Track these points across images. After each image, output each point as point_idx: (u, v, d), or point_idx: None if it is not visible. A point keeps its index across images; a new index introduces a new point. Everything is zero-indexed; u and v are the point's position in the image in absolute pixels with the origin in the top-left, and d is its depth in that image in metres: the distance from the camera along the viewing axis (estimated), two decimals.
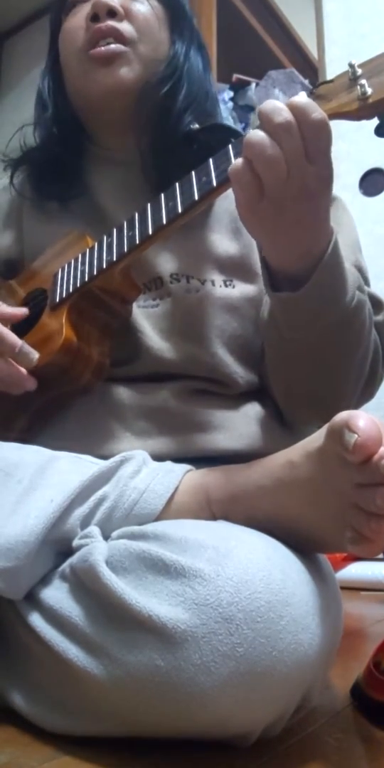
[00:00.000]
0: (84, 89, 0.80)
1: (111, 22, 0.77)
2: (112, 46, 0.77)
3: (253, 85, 2.02)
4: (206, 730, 0.45)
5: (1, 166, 0.87)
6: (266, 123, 0.53)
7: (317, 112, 0.53)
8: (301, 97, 0.54)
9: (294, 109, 0.53)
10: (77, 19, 0.80)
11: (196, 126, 0.75)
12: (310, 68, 2.24)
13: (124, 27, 0.78)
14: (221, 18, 1.78)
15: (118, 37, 0.77)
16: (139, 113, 0.78)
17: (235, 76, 2.01)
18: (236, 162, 0.55)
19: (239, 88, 2.02)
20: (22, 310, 0.72)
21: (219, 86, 1.89)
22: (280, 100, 0.55)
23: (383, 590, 1.35)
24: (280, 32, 2.15)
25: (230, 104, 1.98)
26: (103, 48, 0.77)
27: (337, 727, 0.54)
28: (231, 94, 2.00)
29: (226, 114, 1.87)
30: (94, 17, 0.78)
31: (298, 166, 0.53)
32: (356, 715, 0.57)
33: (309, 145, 0.53)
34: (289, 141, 0.53)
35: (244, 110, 2.02)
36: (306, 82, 2.03)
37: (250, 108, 2.01)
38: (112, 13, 0.77)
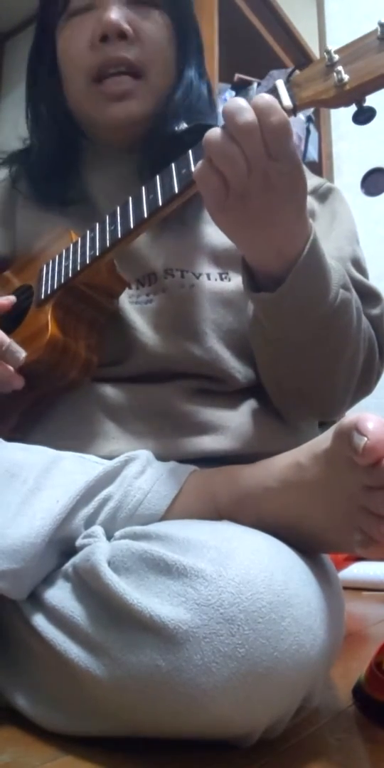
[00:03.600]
0: (91, 115, 0.79)
1: (122, 53, 0.75)
2: (125, 85, 0.76)
3: (255, 84, 2.02)
4: (207, 730, 0.45)
5: None
6: (229, 122, 0.53)
7: (277, 114, 0.52)
8: (264, 98, 0.53)
9: (256, 109, 0.53)
10: (82, 33, 0.77)
11: (183, 126, 0.75)
12: None
13: (135, 54, 0.76)
14: (223, 17, 1.77)
15: (129, 66, 0.76)
16: (148, 139, 0.78)
17: (237, 76, 2.00)
18: (198, 165, 0.55)
19: (241, 87, 2.01)
20: (9, 299, 0.71)
21: (221, 86, 1.89)
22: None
23: None
24: (282, 32, 2.15)
25: None
26: (115, 88, 0.76)
27: (338, 728, 0.54)
28: (233, 93, 2.00)
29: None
30: (104, 38, 0.75)
31: (259, 162, 0.53)
32: (358, 715, 0.57)
33: (271, 145, 0.53)
34: (250, 141, 0.53)
35: None
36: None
37: None
38: (122, 35, 0.75)
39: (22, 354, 0.66)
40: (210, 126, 0.57)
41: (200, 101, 0.82)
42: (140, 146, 0.78)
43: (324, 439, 0.51)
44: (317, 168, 2.21)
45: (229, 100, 0.54)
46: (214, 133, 0.54)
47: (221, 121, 0.56)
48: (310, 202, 0.78)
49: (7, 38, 2.52)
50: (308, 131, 2.17)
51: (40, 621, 0.50)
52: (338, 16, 2.47)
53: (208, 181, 0.55)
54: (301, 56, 2.23)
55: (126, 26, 0.75)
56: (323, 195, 0.82)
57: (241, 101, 0.53)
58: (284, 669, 0.44)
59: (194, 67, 0.83)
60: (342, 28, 2.44)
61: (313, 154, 2.21)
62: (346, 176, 2.24)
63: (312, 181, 0.82)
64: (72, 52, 0.79)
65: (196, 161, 0.59)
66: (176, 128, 0.75)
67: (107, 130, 0.80)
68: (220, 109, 0.99)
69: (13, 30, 2.48)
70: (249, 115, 0.52)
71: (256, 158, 0.53)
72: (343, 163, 2.29)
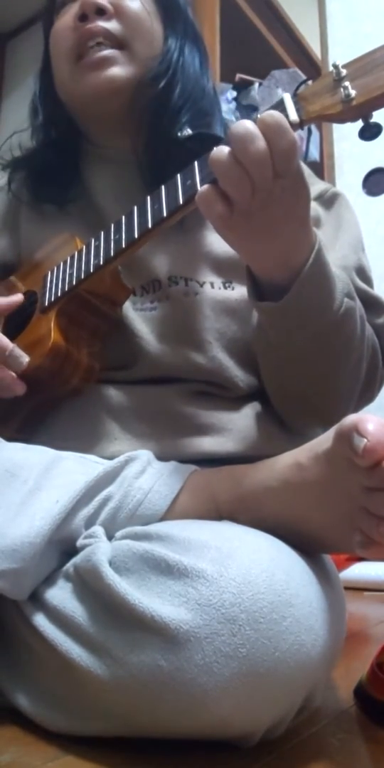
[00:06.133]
0: (76, 94, 0.79)
1: (100, 22, 0.75)
2: (104, 52, 0.75)
3: (257, 84, 2.02)
4: (208, 730, 0.45)
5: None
6: (239, 150, 0.52)
7: (287, 136, 0.52)
8: (273, 117, 0.52)
9: (266, 133, 0.52)
10: (66, 20, 0.78)
11: (187, 132, 0.74)
12: (313, 68, 2.24)
13: (114, 26, 0.76)
14: (224, 17, 1.78)
15: (108, 37, 0.75)
16: (132, 112, 0.77)
17: (239, 76, 2.01)
18: (200, 190, 0.55)
19: (242, 87, 2.02)
20: (17, 298, 0.71)
21: (222, 86, 1.89)
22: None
23: None
24: (283, 32, 2.15)
25: (233, 104, 1.98)
26: (93, 57, 0.75)
27: (340, 728, 0.54)
28: (234, 93, 2.00)
29: (228, 114, 1.86)
30: (83, 17, 0.76)
31: (266, 184, 0.53)
32: (359, 715, 0.57)
33: (278, 166, 0.53)
34: (260, 169, 0.52)
35: (247, 110, 2.02)
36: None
37: (254, 108, 2.01)
38: (100, 12, 0.75)
39: (25, 359, 0.66)
40: (214, 136, 0.57)
41: (205, 100, 0.80)
42: (141, 148, 0.78)
43: (325, 440, 0.51)
44: (318, 168, 2.21)
45: (237, 124, 0.53)
46: (221, 154, 0.53)
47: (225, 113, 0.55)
48: (315, 208, 0.78)
49: (8, 39, 2.52)
50: (309, 131, 2.18)
51: (41, 621, 0.50)
52: (339, 16, 2.47)
53: (211, 205, 0.54)
54: (302, 56, 2.23)
55: (103, 1, 0.75)
56: (329, 201, 0.82)
57: (249, 126, 0.52)
58: (285, 669, 0.44)
59: (189, 55, 0.81)
60: (343, 28, 2.43)
61: (314, 154, 2.21)
62: (348, 176, 2.24)
63: (317, 186, 0.82)
64: (56, 40, 0.80)
65: (201, 173, 0.59)
66: (180, 134, 0.75)
67: (93, 106, 0.79)
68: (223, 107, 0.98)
69: (14, 31, 2.48)
70: (261, 145, 0.51)
71: (264, 182, 0.53)
72: (344, 162, 2.29)
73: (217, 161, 0.53)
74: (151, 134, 0.77)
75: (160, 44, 0.80)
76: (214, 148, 0.54)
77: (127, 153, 0.79)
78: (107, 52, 0.76)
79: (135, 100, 0.77)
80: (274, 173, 0.53)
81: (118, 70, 0.76)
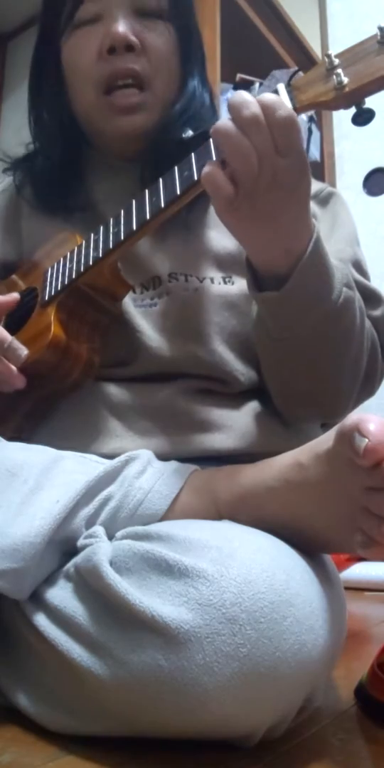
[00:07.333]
0: (98, 123, 0.80)
1: (130, 64, 0.76)
2: (133, 98, 0.76)
3: (257, 84, 2.02)
4: (209, 730, 0.45)
5: (1, 168, 0.88)
6: (235, 116, 0.54)
7: (283, 108, 0.54)
8: (269, 95, 0.54)
9: (261, 105, 0.54)
10: (90, 45, 0.77)
11: (189, 133, 0.75)
12: None
13: (142, 66, 0.77)
14: (225, 17, 1.78)
15: (136, 77, 0.77)
16: (146, 139, 0.79)
17: (239, 76, 2.00)
18: (206, 166, 0.55)
19: (243, 87, 2.01)
20: (14, 296, 0.71)
21: (222, 86, 1.89)
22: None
23: None
24: (284, 32, 2.15)
25: None
26: (124, 101, 0.76)
27: (340, 728, 0.54)
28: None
29: (227, 114, 1.87)
30: (112, 50, 0.76)
31: (268, 158, 0.54)
32: (360, 716, 0.57)
33: (278, 140, 0.54)
34: (257, 134, 0.53)
35: None
36: None
37: None
38: (129, 47, 0.76)
39: (24, 352, 0.66)
40: None
41: (203, 109, 0.83)
42: (145, 155, 0.79)
43: (326, 440, 0.51)
44: (319, 168, 2.21)
45: (234, 94, 0.54)
46: (223, 123, 0.54)
47: (224, 114, 0.56)
48: (312, 206, 0.78)
49: (9, 39, 2.52)
50: (310, 131, 2.17)
51: (42, 621, 0.50)
52: (340, 16, 2.47)
53: (216, 181, 0.55)
54: (303, 56, 2.22)
55: (133, 38, 0.76)
56: (324, 199, 0.83)
57: (245, 95, 0.54)
58: (286, 669, 0.44)
59: (197, 77, 0.84)
60: (344, 27, 2.44)
61: (315, 154, 2.21)
62: (349, 176, 2.24)
63: (313, 185, 0.82)
64: (80, 63, 0.79)
65: (198, 163, 0.59)
66: (183, 135, 0.76)
67: (114, 141, 0.81)
68: (222, 107, 1.00)
69: (15, 30, 2.48)
70: (255, 108, 0.53)
71: (266, 152, 0.53)
72: (345, 163, 2.29)
73: (218, 128, 0.54)
74: (158, 147, 0.78)
75: (177, 78, 0.81)
76: (218, 121, 0.55)
77: (131, 161, 0.81)
78: (136, 98, 0.77)
79: (157, 141, 0.79)
80: (276, 148, 0.54)
81: (144, 118, 0.78)
